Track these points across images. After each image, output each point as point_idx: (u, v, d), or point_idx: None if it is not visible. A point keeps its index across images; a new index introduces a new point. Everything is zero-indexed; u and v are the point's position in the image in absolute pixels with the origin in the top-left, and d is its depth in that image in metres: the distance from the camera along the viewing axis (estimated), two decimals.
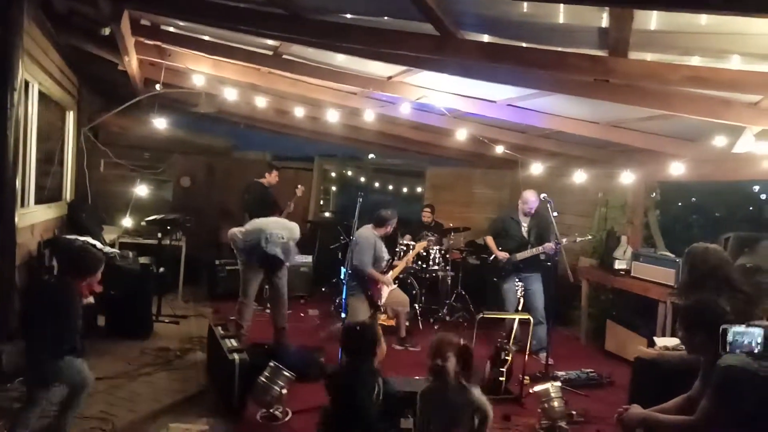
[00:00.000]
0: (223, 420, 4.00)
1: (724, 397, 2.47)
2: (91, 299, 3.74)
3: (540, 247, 5.81)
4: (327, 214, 11.04)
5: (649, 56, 3.33)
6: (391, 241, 6.57)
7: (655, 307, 5.56)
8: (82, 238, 5.74)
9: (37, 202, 5.68)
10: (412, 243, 7.23)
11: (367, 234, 5.64)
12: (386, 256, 5.92)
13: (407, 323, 6.50)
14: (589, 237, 6.33)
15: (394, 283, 6.04)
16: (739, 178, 5.70)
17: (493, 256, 6.14)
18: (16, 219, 4.48)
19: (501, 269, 6.00)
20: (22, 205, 4.97)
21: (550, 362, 5.28)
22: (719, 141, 4.34)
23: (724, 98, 3.69)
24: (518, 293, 5.44)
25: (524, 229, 6.03)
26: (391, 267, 6.05)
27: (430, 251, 7.33)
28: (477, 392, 2.92)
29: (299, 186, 8.12)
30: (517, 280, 5.68)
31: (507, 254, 5.96)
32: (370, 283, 5.62)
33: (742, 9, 2.32)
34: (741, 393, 2.44)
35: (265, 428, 4.03)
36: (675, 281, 5.47)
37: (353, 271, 5.47)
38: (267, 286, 6.05)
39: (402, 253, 7.01)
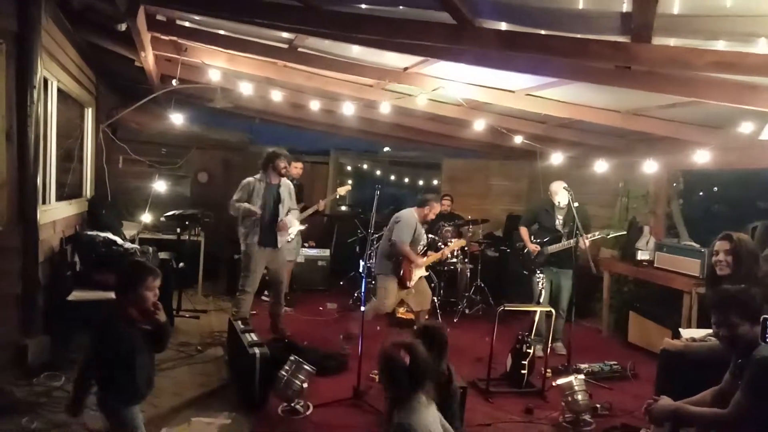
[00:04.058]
0: (245, 414, 4.02)
1: (759, 389, 2.39)
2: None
3: (571, 240, 5.57)
4: (343, 208, 11.03)
5: (672, 41, 3.24)
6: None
7: (679, 298, 5.46)
8: (103, 234, 5.79)
9: (58, 198, 5.74)
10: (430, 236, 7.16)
11: (408, 214, 5.58)
12: (424, 241, 5.77)
13: (426, 317, 6.47)
14: (623, 233, 6.12)
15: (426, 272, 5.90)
16: (766, 165, 5.54)
17: (526, 248, 6.00)
18: (38, 216, 4.54)
19: (531, 261, 5.87)
20: (44, 202, 5.03)
21: (562, 352, 5.36)
22: (745, 128, 4.23)
23: (750, 83, 3.59)
24: (541, 285, 5.31)
25: (558, 222, 5.83)
26: (425, 254, 5.86)
27: (449, 243, 7.27)
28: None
29: (346, 185, 7.96)
30: (538, 272, 5.56)
31: (538, 247, 5.84)
32: (403, 262, 5.49)
33: None
34: None
35: (287, 422, 4.03)
36: (700, 271, 5.36)
37: (390, 247, 5.46)
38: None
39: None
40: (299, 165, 7.32)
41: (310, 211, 6.97)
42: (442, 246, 6.64)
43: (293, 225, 5.94)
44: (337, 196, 7.84)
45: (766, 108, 3.73)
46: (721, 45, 3.19)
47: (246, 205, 5.49)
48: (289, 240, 6.11)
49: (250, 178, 5.65)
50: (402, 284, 5.51)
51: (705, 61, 3.10)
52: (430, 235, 7.12)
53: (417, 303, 5.73)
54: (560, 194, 5.75)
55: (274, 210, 5.63)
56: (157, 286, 2.83)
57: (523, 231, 6.05)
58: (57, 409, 3.77)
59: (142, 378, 2.83)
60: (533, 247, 5.86)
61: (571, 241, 5.54)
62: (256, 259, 5.56)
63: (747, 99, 3.63)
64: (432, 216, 5.74)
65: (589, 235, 5.47)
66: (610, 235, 5.77)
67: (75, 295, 5.03)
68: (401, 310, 6.71)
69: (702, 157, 4.97)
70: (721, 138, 5.03)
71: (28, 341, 4.41)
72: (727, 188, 14.88)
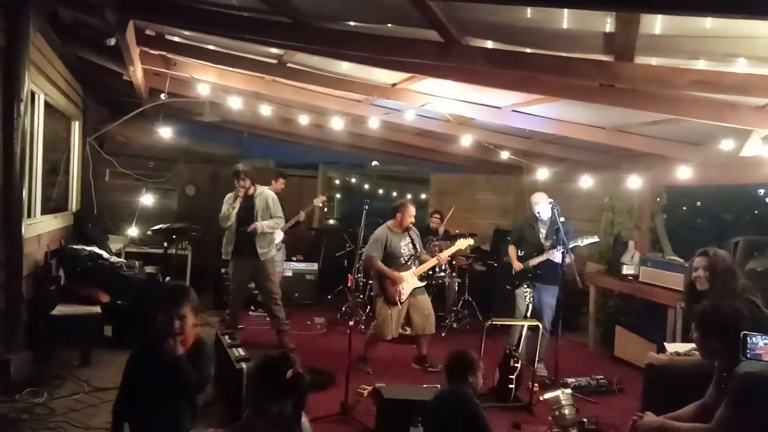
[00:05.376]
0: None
1: (743, 405, 2.42)
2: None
3: (545, 254, 5.55)
4: (332, 222, 11.04)
5: (654, 60, 3.33)
6: None
7: (664, 312, 5.51)
8: (88, 248, 5.75)
9: (44, 212, 5.69)
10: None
11: (379, 229, 5.57)
12: (405, 252, 5.57)
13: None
14: (596, 239, 6.07)
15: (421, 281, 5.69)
16: (746, 181, 5.67)
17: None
18: (23, 229, 4.50)
19: (514, 277, 5.79)
20: (29, 215, 4.98)
21: (543, 373, 5.37)
22: (726, 145, 4.32)
23: (730, 102, 3.68)
24: (527, 299, 5.29)
25: (542, 235, 5.72)
26: (417, 262, 5.65)
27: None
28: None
29: (321, 196, 8.15)
30: (525, 286, 5.54)
31: (520, 265, 5.73)
32: (383, 279, 5.44)
33: (739, 11, 2.31)
34: (761, 401, 2.39)
35: None
36: (684, 286, 5.41)
37: (363, 266, 5.48)
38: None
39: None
40: (281, 181, 7.48)
41: (291, 222, 7.18)
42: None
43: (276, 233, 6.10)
44: (316, 207, 8.02)
45: (746, 125, 3.83)
46: (701, 64, 3.27)
47: (223, 211, 5.78)
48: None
49: (230, 193, 5.87)
50: (390, 302, 5.41)
51: (686, 80, 3.18)
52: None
53: (415, 325, 5.54)
54: (541, 205, 5.65)
55: (245, 220, 5.75)
56: (179, 315, 2.70)
57: (512, 249, 5.93)
58: (39, 425, 3.71)
59: (156, 412, 2.76)
60: (516, 265, 5.76)
61: (550, 253, 5.48)
62: (234, 268, 5.94)
63: (727, 117, 3.72)
64: (409, 219, 5.57)
65: (571, 244, 5.40)
66: (585, 243, 5.64)
67: (59, 310, 4.98)
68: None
69: (684, 173, 5.06)
70: (703, 154, 5.12)
71: (10, 356, 4.34)
72: (710, 203, 15.10)
